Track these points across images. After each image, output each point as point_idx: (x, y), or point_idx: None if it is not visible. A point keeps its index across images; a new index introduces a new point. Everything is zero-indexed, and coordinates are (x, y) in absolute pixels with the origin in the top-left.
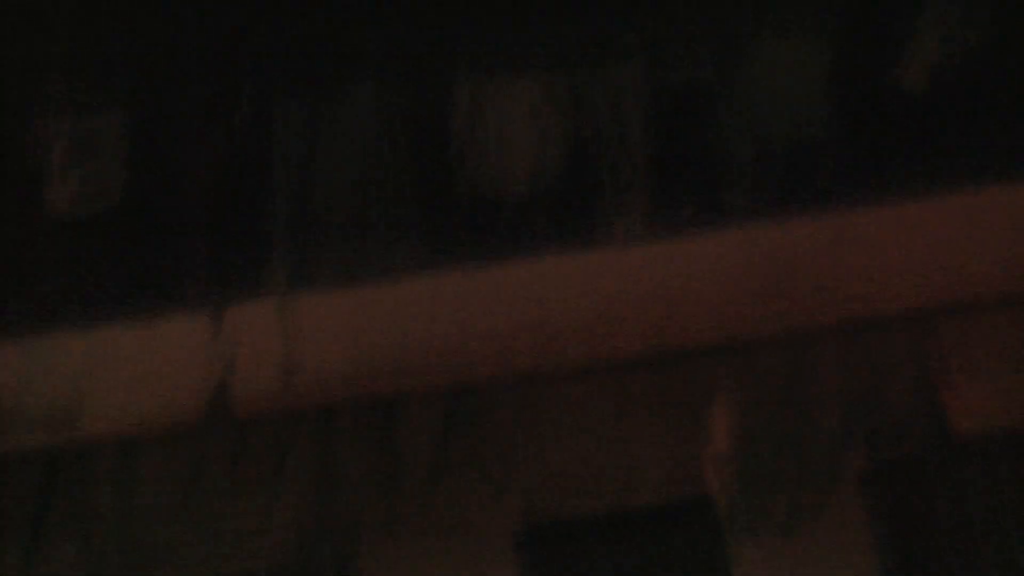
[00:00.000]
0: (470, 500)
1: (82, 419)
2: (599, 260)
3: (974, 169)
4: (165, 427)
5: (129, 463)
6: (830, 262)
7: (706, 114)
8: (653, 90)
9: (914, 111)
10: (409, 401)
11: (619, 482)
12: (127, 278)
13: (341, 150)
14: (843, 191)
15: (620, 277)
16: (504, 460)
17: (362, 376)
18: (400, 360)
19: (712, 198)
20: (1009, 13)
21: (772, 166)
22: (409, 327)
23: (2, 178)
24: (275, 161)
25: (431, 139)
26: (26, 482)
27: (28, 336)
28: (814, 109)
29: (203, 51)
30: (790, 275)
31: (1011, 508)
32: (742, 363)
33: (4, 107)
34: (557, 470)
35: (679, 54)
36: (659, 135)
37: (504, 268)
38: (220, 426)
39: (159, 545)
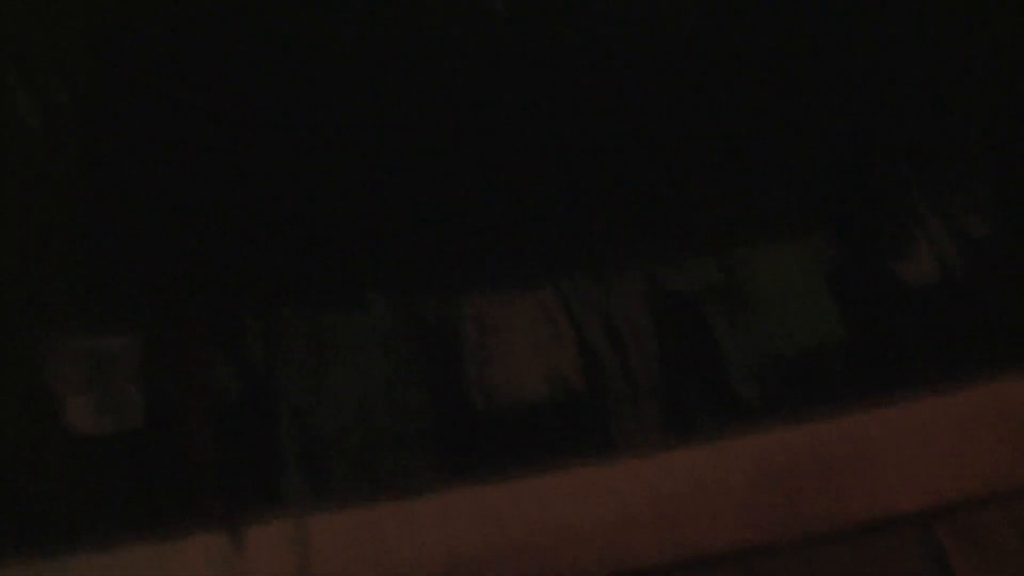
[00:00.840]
0: None
1: None
2: (614, 470)
3: (985, 363)
4: None
5: None
6: (843, 463)
7: (713, 318)
8: (660, 296)
9: (921, 306)
10: None
11: None
12: (144, 497)
13: (350, 365)
14: (854, 390)
15: (636, 486)
16: None
17: None
18: None
19: (723, 403)
20: (1013, 203)
21: (781, 368)
22: (427, 544)
23: (21, 397)
24: (285, 378)
25: (441, 351)
26: None
27: (45, 557)
28: (820, 308)
29: (211, 269)
30: (803, 478)
31: None
32: (757, 569)
33: (21, 327)
34: None
35: (682, 260)
36: (668, 341)
37: (520, 480)
38: None
39: None
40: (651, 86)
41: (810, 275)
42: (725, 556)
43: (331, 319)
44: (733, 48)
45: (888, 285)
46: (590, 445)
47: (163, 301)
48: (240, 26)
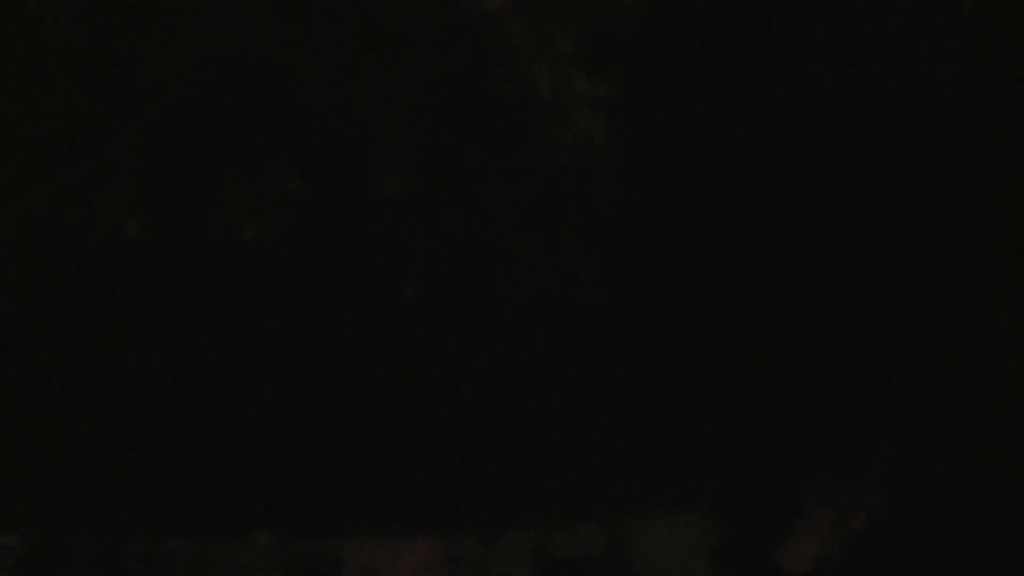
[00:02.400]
0: None
1: None
2: None
3: None
4: None
5: None
6: None
7: None
8: (543, 559)
9: None
10: None
11: None
12: None
13: None
14: None
15: None
16: None
17: None
18: None
19: None
20: (896, 502)
21: None
22: None
23: None
24: None
25: None
26: None
27: None
28: None
29: (99, 486)
30: None
31: None
32: None
33: None
34: None
35: (570, 526)
36: None
37: None
38: None
39: None
40: (547, 365)
41: (692, 552)
42: None
43: (214, 550)
44: (628, 328)
45: (765, 570)
46: None
47: (50, 509)
48: None
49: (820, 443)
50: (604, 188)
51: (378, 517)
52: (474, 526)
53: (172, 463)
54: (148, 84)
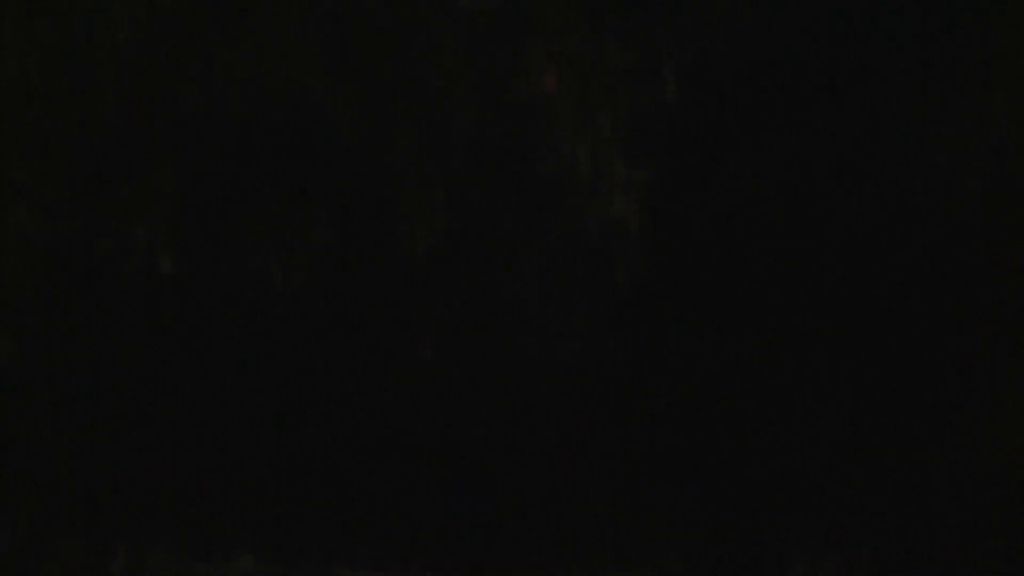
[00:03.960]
0: None
1: None
2: None
3: None
4: None
5: None
6: None
7: None
8: None
9: None
10: None
11: None
12: None
13: None
14: None
15: None
16: None
17: None
18: None
19: None
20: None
21: None
22: None
23: None
24: None
25: None
26: None
27: None
28: None
29: (88, 494)
30: None
31: None
32: None
33: None
34: None
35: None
36: None
37: None
38: None
39: None
40: (546, 424)
41: None
42: None
43: (197, 567)
44: (630, 397)
45: None
46: None
47: (37, 511)
48: None
49: (813, 507)
50: (631, 269)
51: (364, 550)
52: (457, 565)
53: (168, 477)
54: (193, 123)
